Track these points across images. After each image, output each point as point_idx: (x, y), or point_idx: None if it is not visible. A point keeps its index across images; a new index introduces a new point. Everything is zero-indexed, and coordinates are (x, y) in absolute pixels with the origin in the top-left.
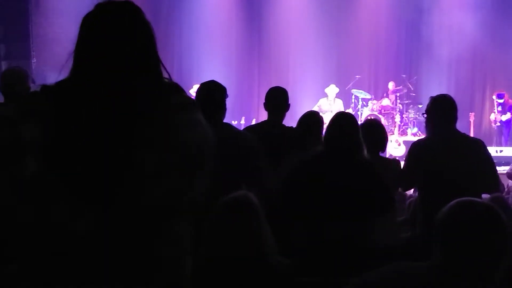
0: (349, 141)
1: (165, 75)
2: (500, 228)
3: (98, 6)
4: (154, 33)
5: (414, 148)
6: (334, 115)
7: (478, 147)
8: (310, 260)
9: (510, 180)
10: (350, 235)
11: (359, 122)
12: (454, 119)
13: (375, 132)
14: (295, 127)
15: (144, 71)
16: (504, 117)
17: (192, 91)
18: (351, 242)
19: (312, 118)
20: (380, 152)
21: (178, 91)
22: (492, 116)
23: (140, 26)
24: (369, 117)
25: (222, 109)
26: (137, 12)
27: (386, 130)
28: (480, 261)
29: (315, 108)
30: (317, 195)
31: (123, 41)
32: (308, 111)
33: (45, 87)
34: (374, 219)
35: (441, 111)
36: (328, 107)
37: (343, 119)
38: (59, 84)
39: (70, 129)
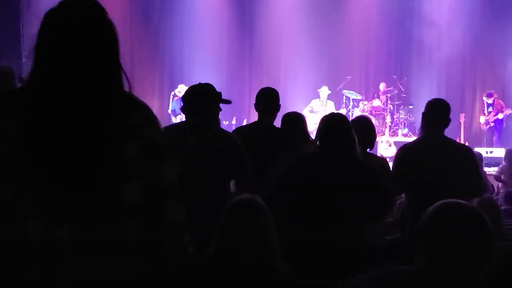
0: (345, 142)
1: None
2: (483, 231)
3: (60, 4)
4: (116, 34)
5: (400, 153)
6: (327, 116)
7: (464, 152)
8: (301, 262)
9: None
10: (344, 237)
11: (349, 120)
12: (443, 123)
13: (364, 129)
14: (281, 127)
15: (101, 76)
16: (501, 115)
17: (177, 91)
18: (345, 244)
19: (295, 118)
20: (368, 149)
21: (132, 105)
22: (482, 119)
23: (101, 26)
24: None
25: (209, 110)
26: (100, 11)
27: (377, 130)
28: (463, 264)
29: (307, 109)
30: (313, 196)
31: (82, 40)
32: (289, 111)
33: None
34: (368, 222)
35: (431, 115)
36: (320, 108)
37: (337, 120)
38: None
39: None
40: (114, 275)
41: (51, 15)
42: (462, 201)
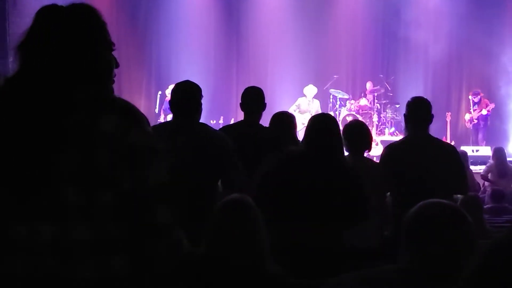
0: (332, 143)
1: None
2: (465, 229)
3: (51, 4)
4: (109, 36)
5: (386, 152)
6: (316, 117)
7: (448, 151)
8: (283, 262)
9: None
10: (325, 237)
11: (338, 122)
12: (426, 122)
13: (360, 133)
14: (269, 127)
15: (87, 78)
16: (484, 111)
17: (168, 92)
18: (325, 244)
19: (284, 117)
20: (365, 152)
21: (116, 110)
22: (467, 116)
23: (93, 27)
24: (347, 117)
25: (197, 108)
26: (92, 11)
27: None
28: (444, 262)
29: (293, 107)
30: (295, 195)
31: (71, 41)
32: (279, 111)
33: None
34: (350, 223)
35: (412, 116)
36: (307, 107)
37: (326, 121)
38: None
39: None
40: (95, 276)
41: (40, 13)
42: (444, 201)
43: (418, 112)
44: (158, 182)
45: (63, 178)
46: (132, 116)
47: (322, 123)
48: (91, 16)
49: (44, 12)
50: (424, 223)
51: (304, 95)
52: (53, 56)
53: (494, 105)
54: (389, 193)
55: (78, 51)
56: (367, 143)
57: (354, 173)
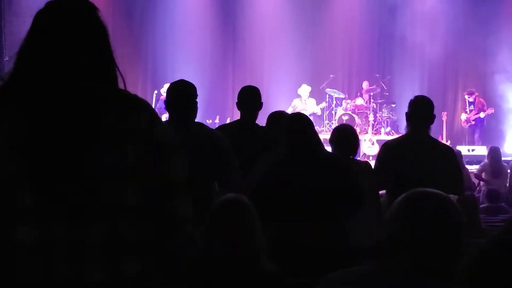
0: (307, 140)
1: (120, 81)
2: (453, 218)
3: (51, 3)
4: (108, 34)
5: (382, 150)
6: (286, 118)
7: (446, 151)
8: (280, 261)
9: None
10: (322, 236)
11: (334, 121)
12: (428, 121)
13: (347, 138)
14: (265, 126)
15: (96, 75)
16: (482, 114)
17: (163, 91)
18: (322, 243)
19: (281, 117)
20: (352, 156)
21: (134, 104)
22: (463, 116)
23: (94, 26)
24: (343, 116)
25: (193, 108)
26: (93, 10)
27: (359, 128)
28: (438, 257)
29: (290, 109)
30: (286, 197)
31: (74, 41)
32: (276, 111)
33: None
34: (346, 217)
35: (415, 114)
36: (304, 106)
37: (294, 121)
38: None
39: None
40: (109, 277)
41: (41, 13)
42: (431, 189)
43: (420, 112)
44: (179, 177)
45: (98, 177)
46: (153, 112)
47: (290, 123)
48: (91, 11)
49: (46, 10)
50: (412, 213)
51: (299, 96)
52: (64, 56)
53: (493, 110)
54: (384, 192)
55: (88, 47)
56: (354, 148)
57: (339, 162)
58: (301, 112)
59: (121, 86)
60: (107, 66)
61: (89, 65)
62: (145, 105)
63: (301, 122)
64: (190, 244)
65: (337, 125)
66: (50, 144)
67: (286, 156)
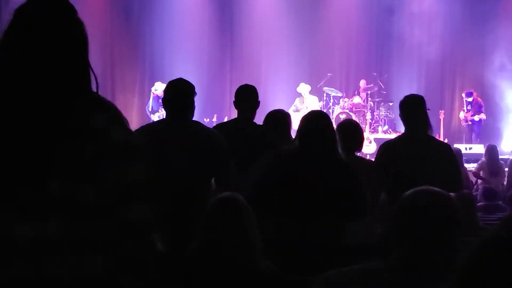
0: (324, 139)
1: (93, 83)
2: (450, 214)
3: (30, 1)
4: (86, 34)
5: (381, 150)
6: (308, 113)
7: (444, 150)
8: (278, 259)
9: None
10: (323, 234)
11: (330, 119)
12: (423, 120)
13: (352, 132)
14: (263, 125)
15: (68, 76)
16: (477, 117)
17: (154, 89)
18: (323, 241)
19: (279, 116)
20: (356, 152)
21: (100, 107)
22: (462, 115)
23: (71, 26)
24: (340, 115)
25: (191, 107)
26: (70, 10)
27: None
28: (434, 255)
29: (292, 109)
30: (292, 193)
31: (45, 37)
32: (274, 109)
33: None
34: (347, 220)
35: (407, 116)
36: (302, 105)
37: (316, 117)
38: None
39: None
40: (73, 274)
41: (17, 12)
42: (430, 187)
43: (412, 113)
44: (137, 180)
45: (53, 173)
46: (114, 113)
47: (312, 120)
48: (70, 12)
49: (25, 7)
50: (411, 210)
51: (299, 95)
52: (36, 53)
53: (485, 117)
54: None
55: (60, 48)
56: (359, 143)
57: (351, 169)
58: (302, 109)
59: (93, 88)
60: (81, 67)
61: (61, 65)
62: (109, 107)
63: (318, 120)
64: (147, 248)
65: (340, 121)
66: (11, 140)
67: (296, 151)
